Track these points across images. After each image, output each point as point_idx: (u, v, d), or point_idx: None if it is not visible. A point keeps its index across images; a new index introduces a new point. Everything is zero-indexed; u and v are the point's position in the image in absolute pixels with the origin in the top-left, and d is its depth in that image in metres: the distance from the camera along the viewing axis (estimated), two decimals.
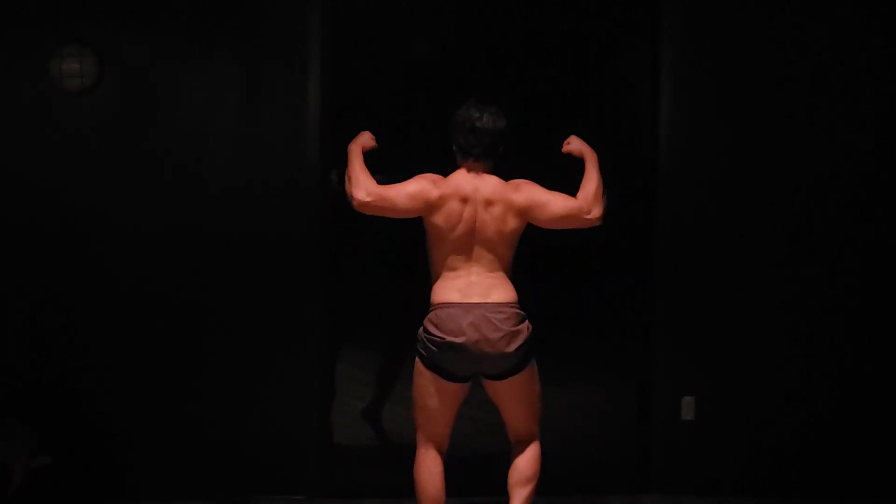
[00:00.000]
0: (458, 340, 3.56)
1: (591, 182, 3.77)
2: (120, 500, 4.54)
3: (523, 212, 3.69)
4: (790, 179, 4.65)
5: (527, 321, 3.66)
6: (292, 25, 4.51)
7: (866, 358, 4.70)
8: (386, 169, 3.91)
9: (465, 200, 3.65)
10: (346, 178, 3.79)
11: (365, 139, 3.87)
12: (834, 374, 4.70)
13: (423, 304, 3.71)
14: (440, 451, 3.74)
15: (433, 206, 3.66)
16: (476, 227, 3.65)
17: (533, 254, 3.88)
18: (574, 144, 3.88)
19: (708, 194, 4.65)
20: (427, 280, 3.75)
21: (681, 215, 4.64)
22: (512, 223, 3.69)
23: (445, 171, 3.71)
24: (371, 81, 4.71)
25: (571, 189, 3.78)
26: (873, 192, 4.67)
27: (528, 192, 3.70)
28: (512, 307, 3.64)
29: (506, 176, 3.74)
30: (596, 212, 3.76)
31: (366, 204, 3.70)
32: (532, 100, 4.66)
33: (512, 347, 3.60)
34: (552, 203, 3.71)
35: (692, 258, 4.66)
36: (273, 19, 4.51)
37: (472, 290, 3.64)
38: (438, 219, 3.67)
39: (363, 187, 3.69)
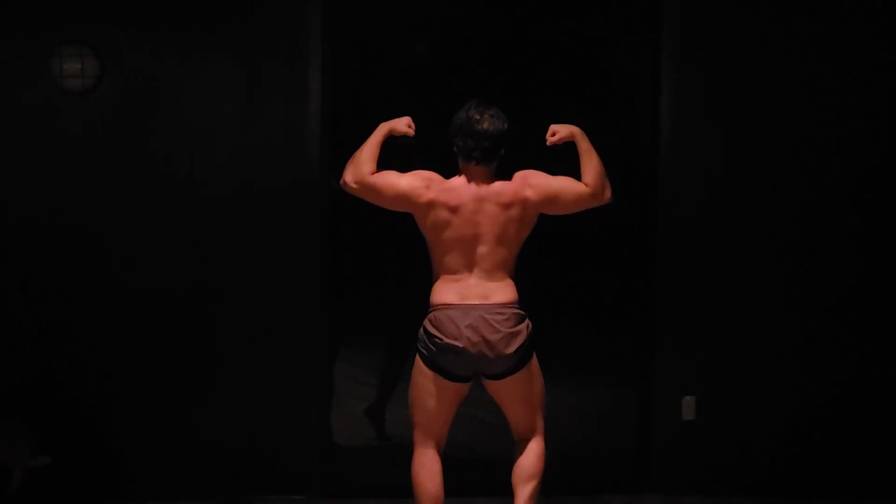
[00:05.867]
0: (457, 344, 3.55)
1: (592, 163, 3.74)
2: (120, 500, 4.54)
3: (539, 207, 3.68)
4: (790, 179, 4.65)
5: (526, 321, 3.65)
6: (292, 25, 4.51)
7: (867, 358, 4.70)
8: (385, 168, 3.90)
9: (454, 210, 3.61)
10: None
11: (398, 123, 3.78)
12: (834, 374, 4.70)
13: (423, 304, 3.70)
14: (438, 450, 3.72)
15: (420, 209, 3.64)
16: (481, 232, 3.62)
17: (533, 253, 3.87)
18: (560, 132, 3.79)
19: (708, 194, 4.65)
20: (428, 280, 3.75)
21: (681, 215, 4.64)
22: (529, 221, 3.67)
23: (446, 171, 3.70)
24: (371, 81, 4.71)
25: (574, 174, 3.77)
26: (874, 191, 4.67)
27: (539, 186, 3.66)
28: (511, 307, 3.63)
29: (506, 174, 3.73)
30: (607, 193, 3.76)
31: (351, 189, 3.71)
32: (532, 100, 4.66)
33: (511, 349, 3.59)
34: (564, 194, 3.69)
35: (692, 258, 4.66)
36: (273, 19, 4.51)
37: (471, 291, 3.62)
38: (426, 222, 3.66)
39: (355, 171, 3.68)
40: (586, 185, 3.72)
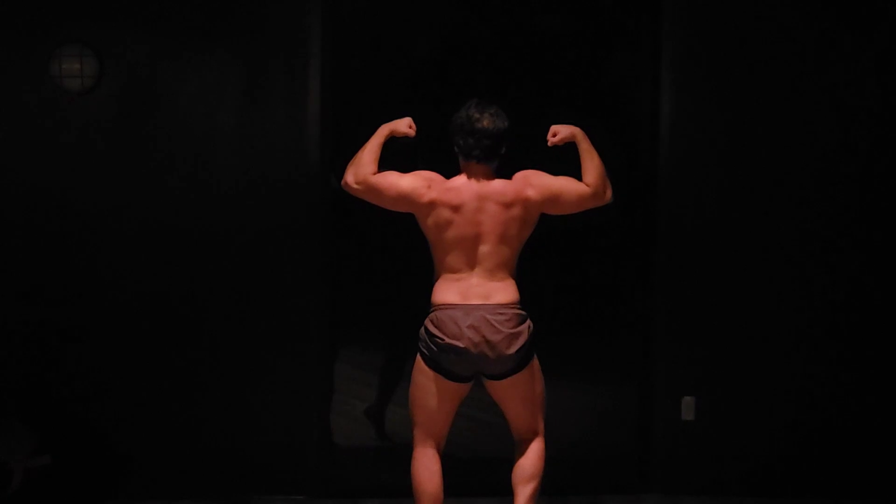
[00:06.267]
0: (458, 344, 3.55)
1: (593, 163, 3.74)
2: (120, 500, 4.54)
3: (540, 206, 3.67)
4: (791, 178, 4.66)
5: (528, 321, 3.64)
6: (292, 25, 4.51)
7: (867, 357, 4.70)
8: (387, 168, 3.91)
9: (456, 209, 3.60)
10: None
11: (399, 124, 3.78)
12: (834, 373, 4.70)
13: (424, 304, 3.70)
14: (438, 450, 3.72)
15: (422, 209, 3.64)
16: (483, 231, 3.61)
17: (533, 254, 3.87)
18: (561, 132, 3.79)
19: (708, 194, 4.65)
20: (429, 280, 3.75)
21: (681, 215, 4.64)
22: (531, 221, 3.67)
23: (446, 171, 3.70)
24: (371, 81, 4.71)
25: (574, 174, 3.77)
26: (874, 191, 4.67)
27: (541, 186, 3.65)
28: (513, 308, 3.63)
29: (507, 174, 3.73)
30: (608, 193, 3.77)
31: (353, 190, 3.71)
32: (532, 100, 4.66)
33: (513, 349, 3.58)
34: (565, 194, 3.69)
35: (692, 258, 4.66)
36: (273, 19, 4.51)
37: (473, 291, 3.62)
38: (428, 222, 3.65)
39: (357, 172, 3.68)
40: (587, 185, 3.72)
